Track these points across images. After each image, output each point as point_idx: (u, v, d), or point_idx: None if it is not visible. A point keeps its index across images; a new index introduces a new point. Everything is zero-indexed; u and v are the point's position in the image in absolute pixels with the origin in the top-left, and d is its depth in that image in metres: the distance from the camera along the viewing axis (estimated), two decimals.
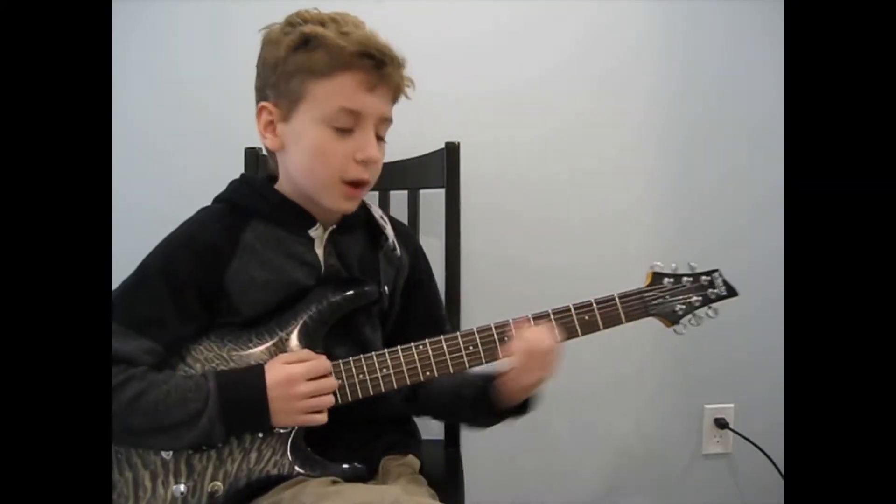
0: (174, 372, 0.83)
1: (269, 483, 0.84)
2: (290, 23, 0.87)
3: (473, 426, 1.02)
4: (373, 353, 0.86)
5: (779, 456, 1.50)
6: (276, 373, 0.81)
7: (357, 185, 0.87)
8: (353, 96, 0.84)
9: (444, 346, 0.86)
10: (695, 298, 0.90)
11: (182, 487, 0.82)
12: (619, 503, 1.55)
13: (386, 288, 0.93)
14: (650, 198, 1.46)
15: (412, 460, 0.97)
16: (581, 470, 1.52)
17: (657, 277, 0.91)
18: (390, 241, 0.96)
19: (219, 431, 0.80)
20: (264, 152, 1.22)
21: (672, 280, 0.90)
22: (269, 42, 0.88)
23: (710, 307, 0.91)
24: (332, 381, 0.84)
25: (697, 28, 1.43)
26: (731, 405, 1.54)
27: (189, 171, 1.32)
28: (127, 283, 0.85)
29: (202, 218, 0.91)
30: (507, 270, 1.41)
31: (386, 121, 0.89)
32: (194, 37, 1.32)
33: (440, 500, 0.86)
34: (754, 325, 1.47)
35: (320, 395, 0.82)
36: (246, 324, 0.87)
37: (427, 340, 0.86)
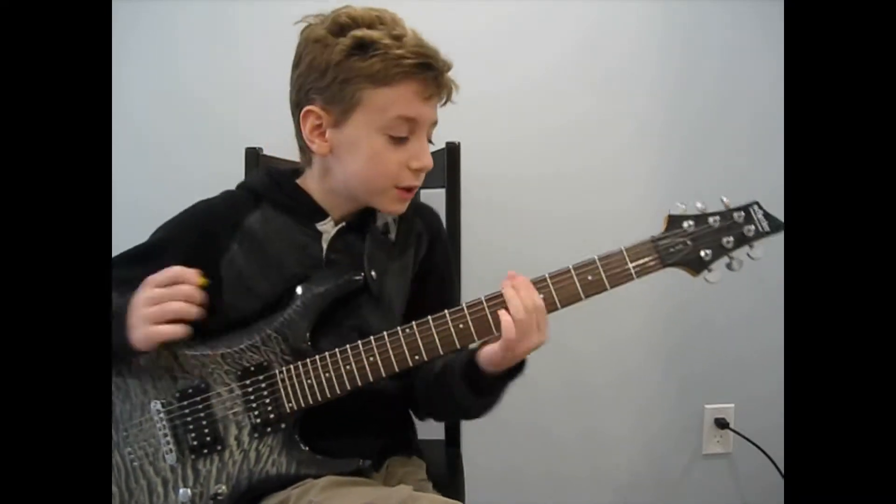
0: None
1: (270, 483, 0.84)
2: (339, 23, 0.83)
3: (471, 411, 0.91)
4: (359, 342, 0.82)
5: (779, 456, 1.50)
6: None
7: (409, 189, 0.88)
8: (410, 105, 0.84)
9: (432, 327, 0.81)
10: (726, 239, 0.77)
11: (188, 492, 0.83)
12: (620, 503, 1.55)
13: (374, 273, 0.90)
14: (650, 198, 1.45)
15: (418, 462, 0.97)
16: (581, 470, 1.52)
17: (675, 221, 0.78)
18: (378, 223, 0.94)
19: (116, 341, 0.78)
20: (265, 152, 1.23)
21: (693, 222, 0.78)
22: (314, 41, 0.84)
23: (751, 246, 0.78)
24: (179, 289, 0.78)
25: (697, 28, 1.43)
26: (731, 405, 1.54)
27: (189, 170, 1.32)
28: (131, 250, 0.89)
29: (213, 201, 0.93)
30: (507, 270, 1.40)
31: (434, 124, 0.90)
32: (194, 37, 1.31)
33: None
34: (754, 324, 1.47)
35: (168, 302, 0.77)
36: (237, 324, 0.86)
37: (413, 322, 0.81)
